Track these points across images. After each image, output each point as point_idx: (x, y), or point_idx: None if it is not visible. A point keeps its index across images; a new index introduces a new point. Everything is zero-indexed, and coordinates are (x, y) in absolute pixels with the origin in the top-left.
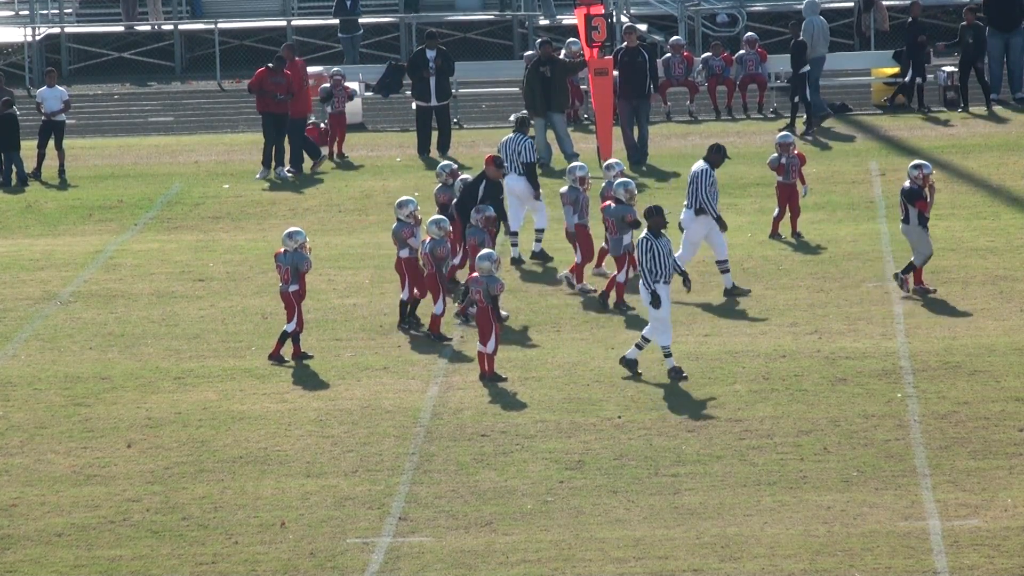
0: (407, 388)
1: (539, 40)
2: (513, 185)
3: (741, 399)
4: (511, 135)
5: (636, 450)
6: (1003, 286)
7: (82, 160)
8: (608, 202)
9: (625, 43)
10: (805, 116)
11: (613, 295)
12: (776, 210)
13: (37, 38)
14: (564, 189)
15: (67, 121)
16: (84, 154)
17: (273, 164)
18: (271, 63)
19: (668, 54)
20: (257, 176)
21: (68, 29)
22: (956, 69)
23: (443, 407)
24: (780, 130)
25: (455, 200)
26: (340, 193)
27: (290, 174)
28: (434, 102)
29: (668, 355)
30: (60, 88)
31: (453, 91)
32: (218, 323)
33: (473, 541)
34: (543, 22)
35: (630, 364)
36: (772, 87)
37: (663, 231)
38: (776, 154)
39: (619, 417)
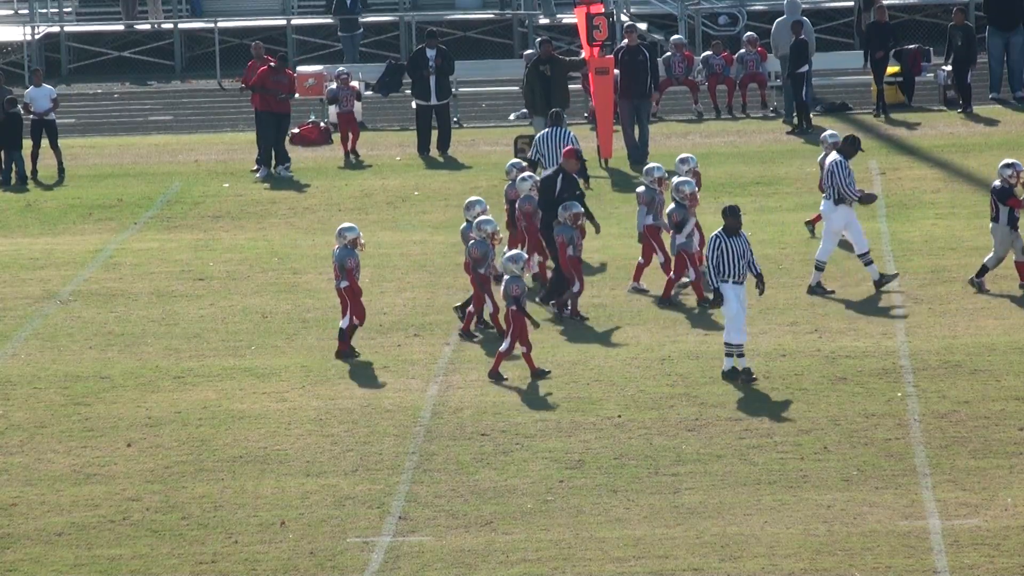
0: (407, 387)
1: (539, 39)
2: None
3: (741, 398)
4: (548, 129)
5: (636, 449)
6: (1003, 285)
7: (82, 159)
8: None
9: (626, 42)
10: (796, 115)
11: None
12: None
13: (36, 37)
14: (641, 189)
15: (64, 120)
16: (84, 153)
17: (273, 163)
18: (273, 62)
19: (669, 53)
20: (258, 176)
21: (68, 28)
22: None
23: (443, 406)
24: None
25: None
26: (340, 192)
27: (288, 172)
28: (434, 101)
29: (730, 355)
30: (47, 87)
31: (453, 90)
32: (218, 322)
33: (473, 540)
34: (543, 21)
35: (731, 375)
36: (772, 86)
37: (739, 231)
38: (824, 152)
39: (619, 416)
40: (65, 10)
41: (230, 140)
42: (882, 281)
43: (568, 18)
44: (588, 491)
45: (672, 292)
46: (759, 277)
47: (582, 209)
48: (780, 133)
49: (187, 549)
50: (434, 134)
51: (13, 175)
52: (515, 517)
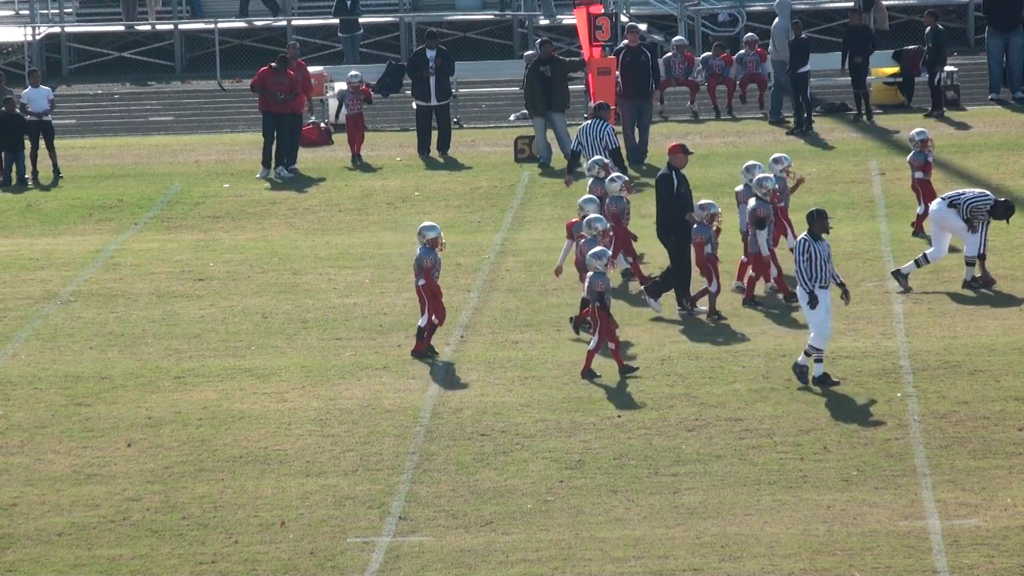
0: (407, 387)
1: (539, 39)
2: None
3: (741, 398)
4: (589, 121)
5: (636, 449)
6: (1003, 285)
7: (82, 160)
8: (751, 199)
9: (627, 42)
10: (795, 116)
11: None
12: (920, 207)
13: (37, 38)
14: (739, 188)
15: (64, 121)
16: (84, 154)
17: (273, 164)
18: (274, 63)
19: (669, 53)
20: (257, 176)
21: (68, 29)
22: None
23: (443, 406)
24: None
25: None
26: (340, 192)
27: (290, 173)
28: (434, 102)
29: (819, 360)
30: (45, 88)
31: (453, 91)
32: (218, 322)
33: (473, 540)
34: (543, 22)
35: (802, 372)
36: (772, 86)
37: (824, 236)
38: (918, 150)
39: (619, 416)
40: (65, 11)
41: (230, 141)
42: (971, 284)
43: (568, 19)
44: (588, 491)
45: (754, 291)
46: (842, 286)
47: (719, 209)
48: (780, 134)
49: (187, 549)
50: (434, 135)
51: (13, 176)
52: (515, 517)
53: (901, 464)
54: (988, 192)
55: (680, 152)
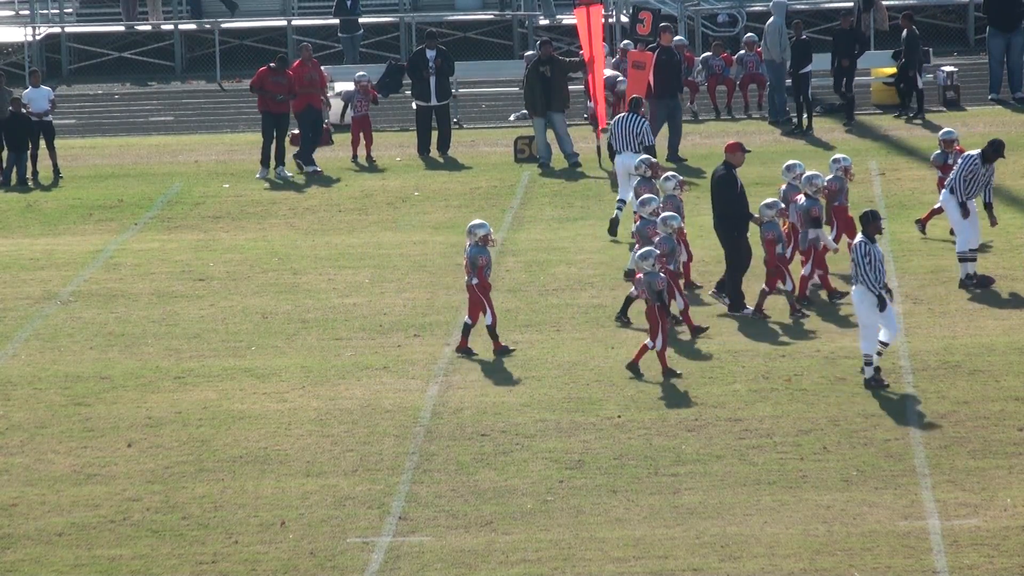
0: (407, 387)
1: (538, 40)
2: (627, 162)
3: (741, 398)
4: (624, 114)
5: (636, 450)
6: (1002, 285)
7: (82, 160)
8: (799, 197)
9: (659, 42)
10: (797, 116)
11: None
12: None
13: (37, 38)
14: (783, 187)
15: (64, 121)
16: (84, 154)
17: (273, 164)
18: (273, 63)
19: None
20: (257, 176)
21: (68, 29)
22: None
23: (443, 406)
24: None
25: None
26: (340, 192)
27: (306, 169)
28: (434, 102)
29: (870, 364)
30: (45, 88)
31: (453, 91)
32: (218, 323)
33: (473, 540)
34: (543, 22)
35: (875, 377)
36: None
37: (877, 238)
38: (940, 151)
39: (619, 416)
40: (66, 11)
41: (230, 141)
42: (966, 282)
43: (568, 19)
44: (588, 491)
45: (808, 289)
46: (887, 289)
47: (783, 205)
48: (780, 134)
49: (187, 549)
50: (434, 135)
51: (14, 176)
52: (515, 517)
53: (901, 464)
54: (973, 152)
55: (739, 150)
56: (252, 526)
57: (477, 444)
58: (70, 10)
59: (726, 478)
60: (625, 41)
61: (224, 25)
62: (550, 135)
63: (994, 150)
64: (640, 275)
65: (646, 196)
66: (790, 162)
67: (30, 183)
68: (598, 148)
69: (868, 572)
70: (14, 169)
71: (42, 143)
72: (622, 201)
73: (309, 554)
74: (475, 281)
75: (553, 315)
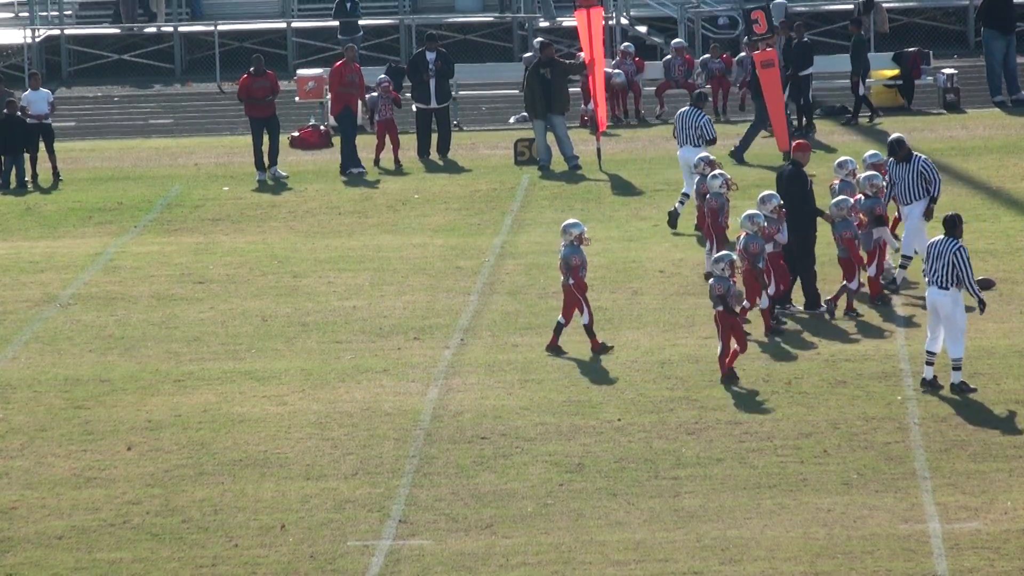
0: (407, 391)
1: (538, 41)
2: (688, 156)
3: (741, 402)
4: (686, 108)
5: (636, 453)
6: (1003, 288)
7: (82, 162)
8: (859, 196)
9: (777, 34)
10: (798, 118)
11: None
12: None
13: (37, 40)
14: (835, 183)
15: (64, 123)
16: (84, 156)
17: (267, 165)
18: (252, 68)
19: (669, 56)
20: (257, 179)
21: (68, 31)
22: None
23: (443, 410)
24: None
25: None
26: (340, 195)
27: (353, 171)
28: (434, 104)
29: (958, 368)
30: (44, 90)
31: (453, 93)
32: (218, 325)
33: (473, 544)
34: (543, 24)
35: (932, 384)
36: None
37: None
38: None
39: (619, 420)
40: (65, 13)
41: (230, 143)
42: (890, 287)
43: (567, 21)
44: (588, 494)
45: (880, 288)
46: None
47: (851, 201)
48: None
49: (187, 553)
50: (434, 137)
51: (13, 178)
52: (515, 520)
53: (901, 467)
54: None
55: (807, 149)
56: (252, 529)
57: (477, 447)
58: (69, 12)
59: (726, 481)
60: (625, 43)
61: (224, 27)
62: (550, 138)
63: (898, 146)
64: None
65: (767, 194)
66: (842, 158)
67: (29, 186)
68: (598, 150)
69: (868, 575)
70: (12, 172)
71: (41, 146)
72: (685, 195)
73: (309, 557)
74: (571, 281)
75: (553, 318)
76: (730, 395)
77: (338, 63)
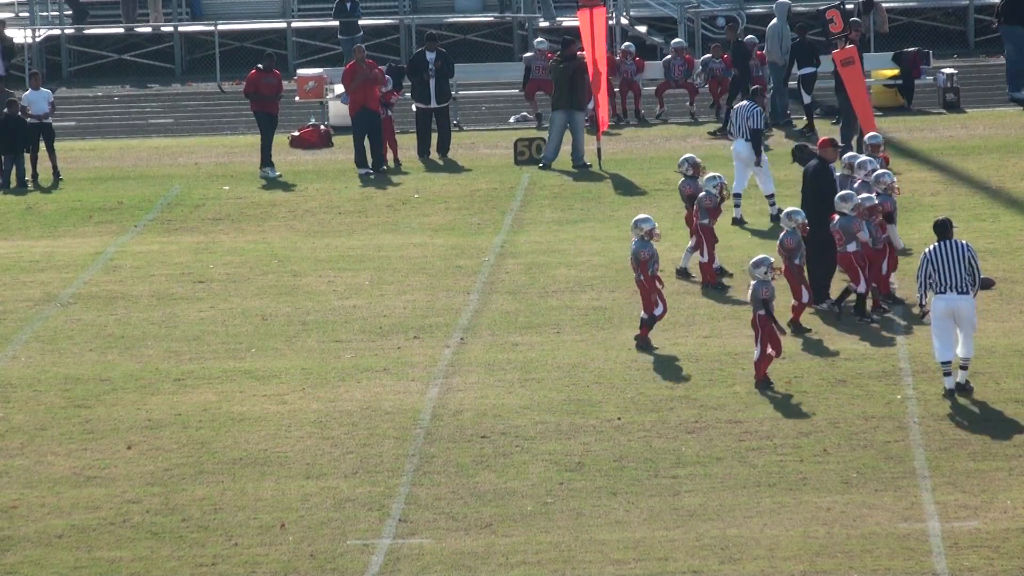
0: (407, 390)
1: (564, 39)
2: (739, 149)
3: (741, 400)
4: (744, 102)
5: (636, 452)
6: (1003, 288)
7: (82, 162)
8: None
9: (851, 36)
10: (805, 117)
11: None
12: None
13: (37, 40)
14: (838, 175)
15: (64, 123)
16: (84, 156)
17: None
18: (260, 64)
19: (668, 56)
20: (270, 175)
21: (68, 31)
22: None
23: (443, 409)
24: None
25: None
26: (340, 195)
27: (274, 173)
28: (434, 104)
29: (966, 367)
30: (45, 90)
31: (453, 93)
32: (218, 325)
33: (473, 543)
34: (543, 24)
35: (964, 389)
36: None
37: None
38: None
39: (619, 419)
40: (66, 13)
41: (230, 143)
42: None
43: (567, 21)
44: (588, 493)
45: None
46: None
47: (876, 201)
48: (780, 136)
49: (187, 551)
50: (434, 137)
51: (13, 178)
52: (515, 519)
53: (901, 466)
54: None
55: (831, 146)
56: (252, 528)
57: (477, 446)
58: (70, 12)
59: (726, 480)
60: (626, 43)
61: (224, 27)
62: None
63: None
64: (752, 281)
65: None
66: (850, 153)
67: (30, 185)
68: (598, 150)
69: (868, 574)
70: (13, 171)
71: (42, 145)
72: (737, 195)
73: (309, 556)
74: (640, 277)
75: (553, 317)
76: (730, 394)
77: (349, 64)
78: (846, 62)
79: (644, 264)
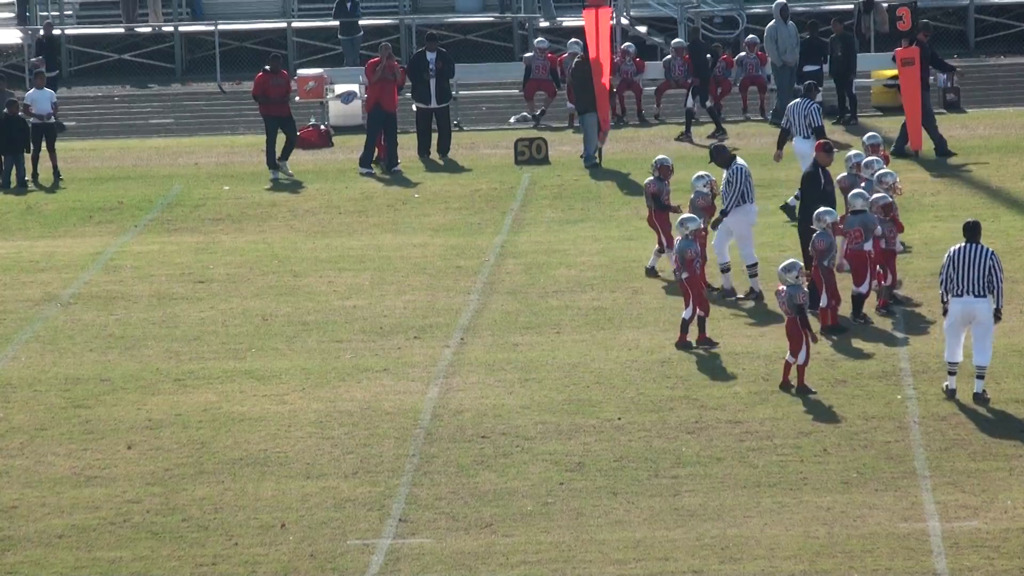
0: (407, 390)
1: (573, 41)
2: (801, 147)
3: (741, 400)
4: (799, 100)
5: (636, 452)
6: (1003, 288)
7: (82, 162)
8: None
9: (920, 38)
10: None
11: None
12: None
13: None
14: (842, 175)
15: (65, 123)
16: (84, 156)
17: (279, 157)
18: (267, 66)
19: (668, 56)
20: (271, 177)
21: (68, 31)
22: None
23: (443, 409)
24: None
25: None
26: (340, 195)
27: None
28: (434, 104)
29: (983, 376)
30: (48, 90)
31: (453, 93)
32: (218, 325)
33: (473, 543)
34: (543, 24)
35: (981, 399)
36: (772, 89)
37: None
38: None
39: (619, 419)
40: (66, 13)
41: (230, 143)
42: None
43: (568, 21)
44: (588, 493)
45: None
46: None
47: (891, 199)
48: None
49: (187, 551)
50: (434, 137)
51: (13, 178)
52: (515, 519)
53: (901, 466)
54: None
55: (821, 150)
56: (252, 528)
57: (477, 446)
58: (70, 12)
59: (726, 480)
60: (626, 43)
61: (224, 27)
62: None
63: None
64: (782, 287)
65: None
66: (851, 152)
67: (30, 185)
68: (599, 150)
69: (868, 574)
70: (13, 171)
71: (42, 145)
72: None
73: (309, 556)
74: (684, 275)
75: (553, 317)
76: (730, 394)
77: (370, 62)
78: (907, 62)
79: (690, 262)
